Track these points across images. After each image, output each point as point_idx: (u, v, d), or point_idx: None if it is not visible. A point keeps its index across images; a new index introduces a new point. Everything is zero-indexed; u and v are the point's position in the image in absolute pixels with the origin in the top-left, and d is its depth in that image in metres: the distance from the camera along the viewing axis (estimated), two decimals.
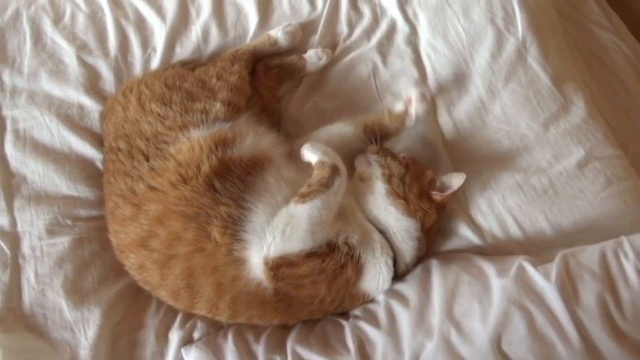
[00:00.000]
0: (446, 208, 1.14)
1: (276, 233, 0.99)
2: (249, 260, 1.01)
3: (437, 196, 1.10)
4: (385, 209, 1.09)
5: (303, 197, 1.01)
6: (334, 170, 1.04)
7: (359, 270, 1.03)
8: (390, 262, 1.06)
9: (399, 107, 1.23)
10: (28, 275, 1.11)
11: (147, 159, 1.09)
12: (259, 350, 1.06)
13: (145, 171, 1.07)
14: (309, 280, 1.01)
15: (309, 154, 1.08)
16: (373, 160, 1.14)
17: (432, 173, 1.14)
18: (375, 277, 1.05)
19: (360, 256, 1.03)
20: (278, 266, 0.99)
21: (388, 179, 1.09)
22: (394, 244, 1.08)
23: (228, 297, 1.02)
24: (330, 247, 1.01)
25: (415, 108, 1.20)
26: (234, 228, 1.01)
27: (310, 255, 0.99)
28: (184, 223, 1.01)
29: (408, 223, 1.08)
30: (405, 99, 1.23)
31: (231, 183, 1.04)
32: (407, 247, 1.08)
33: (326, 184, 1.02)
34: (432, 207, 1.09)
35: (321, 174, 1.03)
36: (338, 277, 1.02)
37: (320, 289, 1.02)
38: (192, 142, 1.07)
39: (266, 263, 0.99)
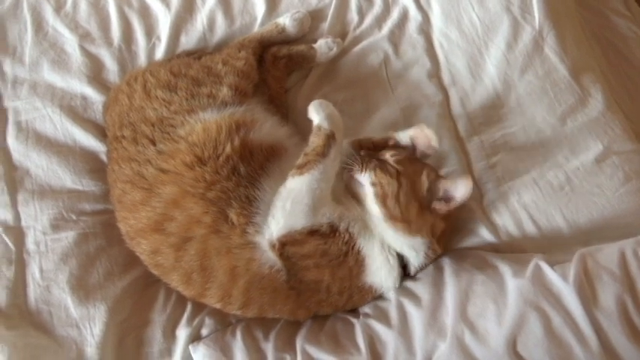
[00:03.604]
0: (456, 214, 1.06)
1: (278, 210, 0.98)
2: (261, 242, 1.00)
3: (441, 208, 1.02)
4: (383, 230, 1.02)
5: (301, 169, 0.99)
6: (329, 138, 1.01)
7: (360, 262, 1.01)
8: (393, 261, 1.03)
9: (405, 140, 1.12)
10: (33, 271, 1.10)
11: (153, 143, 1.08)
12: (268, 348, 1.05)
13: (152, 154, 1.06)
14: (313, 261, 1.00)
15: (313, 113, 1.05)
16: (363, 179, 1.03)
17: (430, 173, 1.04)
18: (378, 273, 1.03)
19: (360, 249, 1.01)
20: (283, 244, 0.99)
21: (383, 202, 1.00)
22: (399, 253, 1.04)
23: (242, 282, 1.01)
24: (332, 230, 1.00)
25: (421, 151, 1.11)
26: (250, 209, 1.00)
27: (313, 233, 0.99)
28: (205, 207, 1.00)
29: (410, 242, 1.03)
30: (412, 134, 1.11)
31: (252, 168, 1.03)
32: (412, 256, 1.04)
33: (322, 153, 0.99)
34: (437, 219, 1.02)
35: (316, 142, 1.01)
36: (341, 264, 1.00)
37: (324, 273, 1.01)
38: (205, 124, 1.07)
39: (271, 241, 0.99)
